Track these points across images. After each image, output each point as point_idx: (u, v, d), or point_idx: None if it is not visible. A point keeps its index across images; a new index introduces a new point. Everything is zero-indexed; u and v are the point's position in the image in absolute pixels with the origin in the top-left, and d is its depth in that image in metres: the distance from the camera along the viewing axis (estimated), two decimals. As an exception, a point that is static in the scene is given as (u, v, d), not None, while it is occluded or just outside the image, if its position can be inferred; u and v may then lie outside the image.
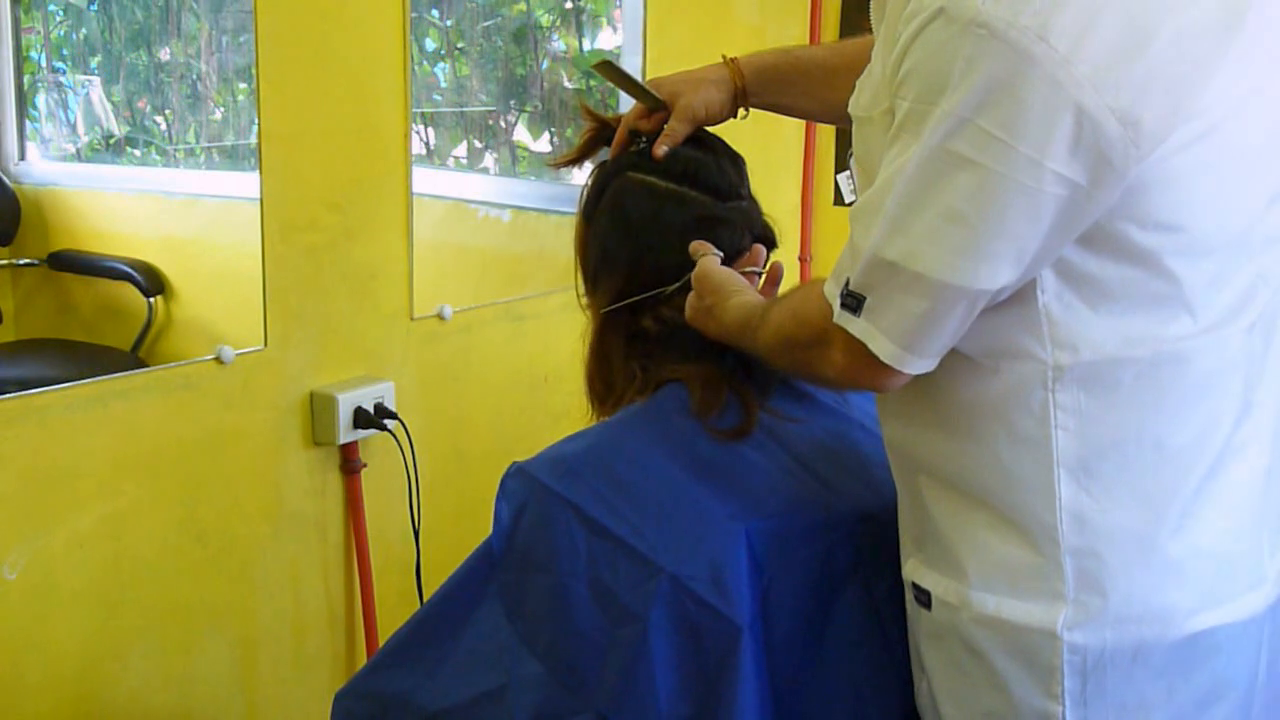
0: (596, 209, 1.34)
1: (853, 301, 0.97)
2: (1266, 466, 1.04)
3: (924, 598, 1.07)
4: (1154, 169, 0.90)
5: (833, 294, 1.00)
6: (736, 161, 1.35)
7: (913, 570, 1.10)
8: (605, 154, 1.41)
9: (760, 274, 1.29)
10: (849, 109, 1.07)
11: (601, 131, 1.41)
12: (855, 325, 0.97)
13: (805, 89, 1.41)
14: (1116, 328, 0.96)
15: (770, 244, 1.34)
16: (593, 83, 2.59)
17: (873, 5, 1.09)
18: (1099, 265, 0.94)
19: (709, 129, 1.39)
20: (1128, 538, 0.99)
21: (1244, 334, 0.99)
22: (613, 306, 1.31)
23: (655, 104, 1.36)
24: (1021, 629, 1.01)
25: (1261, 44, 0.93)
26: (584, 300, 1.36)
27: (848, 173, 3.01)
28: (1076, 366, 0.96)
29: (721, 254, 1.26)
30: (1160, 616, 0.99)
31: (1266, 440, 1.04)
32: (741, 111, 1.41)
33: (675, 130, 1.33)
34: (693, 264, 1.27)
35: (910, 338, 0.95)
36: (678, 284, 1.28)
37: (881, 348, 0.96)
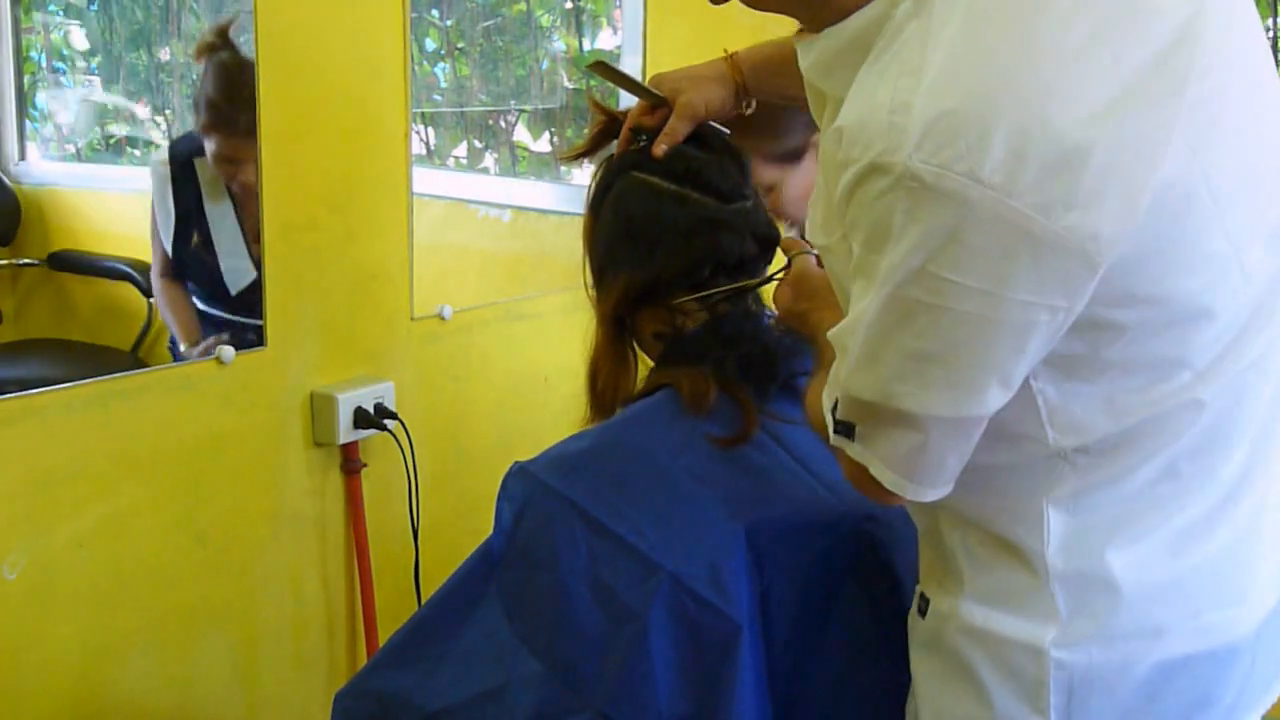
0: (602, 206, 1.34)
1: (843, 428, 0.96)
2: (1263, 494, 1.03)
3: (924, 605, 1.08)
4: (1120, 255, 0.86)
5: (826, 409, 0.99)
6: (739, 160, 1.35)
7: (924, 579, 1.10)
8: (614, 147, 1.41)
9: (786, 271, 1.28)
10: (808, 235, 1.04)
11: (610, 125, 1.41)
12: (852, 449, 0.96)
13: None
14: (1115, 396, 0.93)
15: (774, 244, 1.34)
16: (593, 82, 2.60)
17: (810, 104, 1.07)
18: (1086, 345, 0.91)
19: (715, 125, 1.38)
20: (1120, 564, 0.98)
21: (1244, 371, 0.97)
22: (609, 314, 1.31)
23: (656, 100, 1.36)
24: (1009, 643, 1.00)
25: (1207, 102, 0.88)
26: (592, 293, 1.36)
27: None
28: (1081, 445, 0.95)
29: (816, 251, 1.24)
30: (1149, 634, 0.99)
31: (1272, 468, 1.03)
32: (746, 107, 1.41)
33: (675, 129, 1.33)
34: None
35: (909, 468, 0.94)
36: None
37: (882, 475, 0.95)
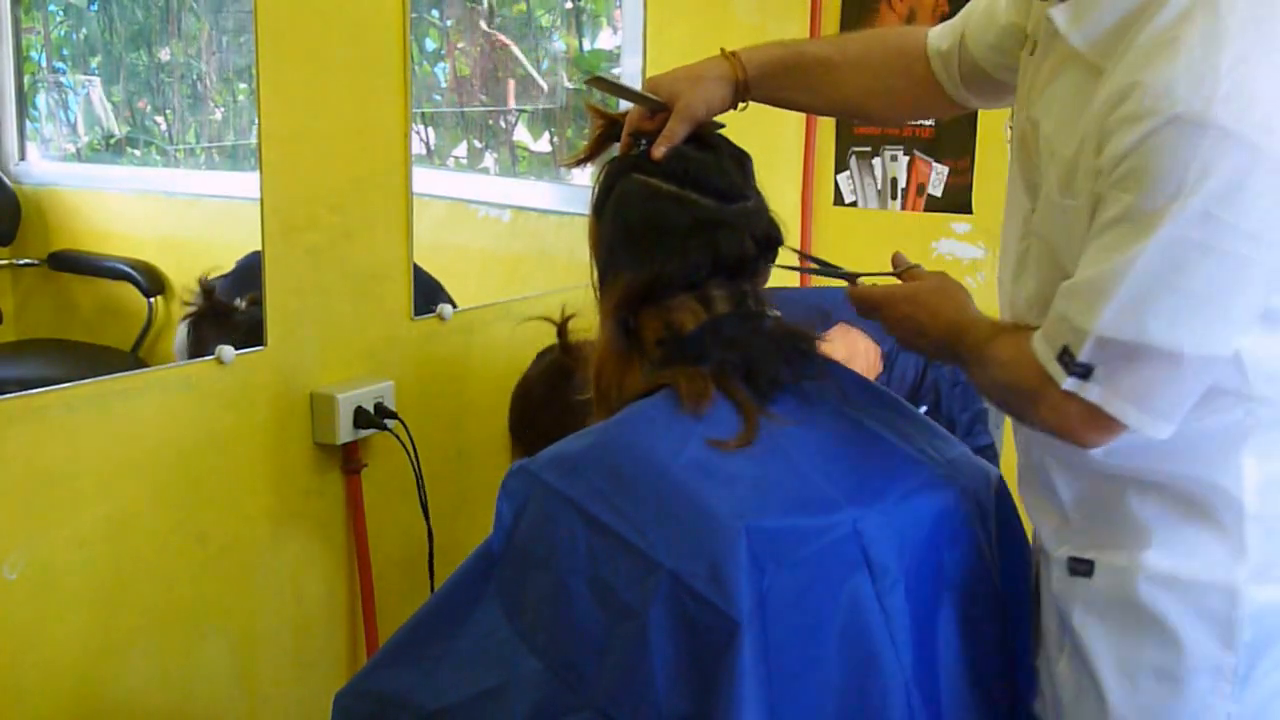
0: (604, 208, 1.35)
1: (1081, 370, 1.03)
2: None
3: (1084, 567, 1.14)
4: None
5: (1047, 358, 1.06)
6: (741, 161, 1.35)
7: (1072, 544, 1.16)
8: (615, 150, 1.41)
9: (898, 275, 1.32)
10: (1043, 202, 1.11)
11: (610, 129, 1.41)
12: (1091, 391, 1.03)
13: (808, 84, 1.42)
14: None
15: (775, 243, 1.34)
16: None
17: (1022, 62, 1.16)
18: None
19: (716, 119, 1.38)
20: None
21: None
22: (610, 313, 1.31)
23: (655, 106, 1.36)
24: (1200, 585, 1.07)
25: None
26: (597, 293, 1.37)
27: (848, 172, 3.01)
28: (1277, 395, 1.05)
29: (915, 265, 1.31)
30: None
31: None
32: (740, 104, 1.41)
33: (674, 131, 1.33)
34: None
35: (1154, 403, 1.02)
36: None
37: (1123, 411, 1.02)
